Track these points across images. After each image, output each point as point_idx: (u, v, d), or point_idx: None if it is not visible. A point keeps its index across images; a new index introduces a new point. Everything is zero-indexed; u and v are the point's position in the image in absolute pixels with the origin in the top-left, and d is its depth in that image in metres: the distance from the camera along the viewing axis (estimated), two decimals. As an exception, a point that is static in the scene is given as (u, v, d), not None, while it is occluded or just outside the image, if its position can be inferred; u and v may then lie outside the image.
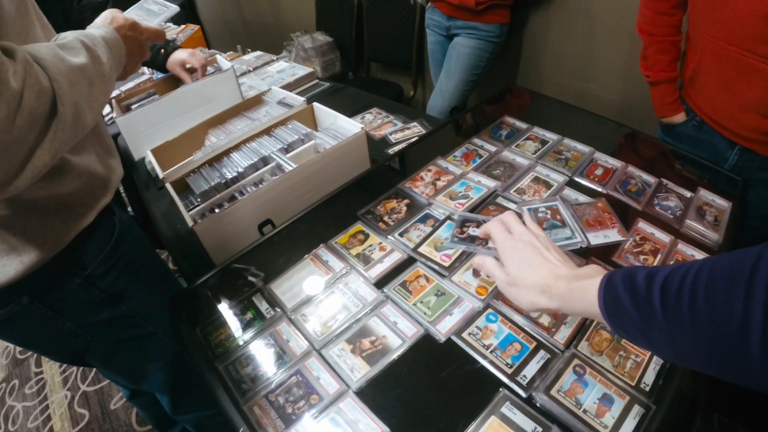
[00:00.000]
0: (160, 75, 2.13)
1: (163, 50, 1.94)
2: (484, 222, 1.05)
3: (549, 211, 1.11)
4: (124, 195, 2.59)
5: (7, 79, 0.61)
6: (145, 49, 1.10)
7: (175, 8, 1.52)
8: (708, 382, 0.86)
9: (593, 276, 0.69)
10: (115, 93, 2.36)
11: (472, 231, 1.06)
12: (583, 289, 0.68)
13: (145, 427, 2.19)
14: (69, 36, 0.83)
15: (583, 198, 1.16)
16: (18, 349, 2.77)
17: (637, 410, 0.77)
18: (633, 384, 0.80)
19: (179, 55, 1.94)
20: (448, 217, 1.14)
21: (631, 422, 0.75)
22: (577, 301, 0.69)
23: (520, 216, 0.91)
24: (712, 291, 0.51)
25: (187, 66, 1.94)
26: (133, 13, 1.52)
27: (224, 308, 1.04)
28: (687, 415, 0.81)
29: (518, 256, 0.80)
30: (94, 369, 2.42)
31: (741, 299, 0.47)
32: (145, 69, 2.71)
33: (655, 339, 0.58)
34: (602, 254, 1.02)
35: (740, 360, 0.48)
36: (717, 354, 0.51)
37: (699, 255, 1.02)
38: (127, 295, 1.12)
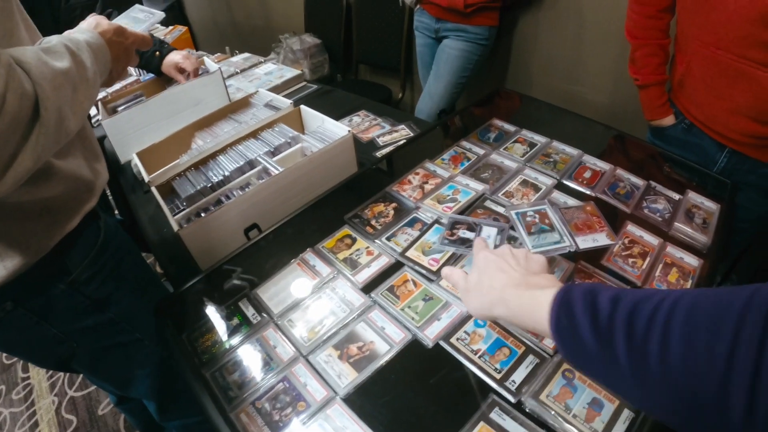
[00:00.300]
0: (148, 77, 2.11)
1: (158, 53, 1.93)
2: (475, 224, 1.05)
3: (537, 215, 1.10)
4: (111, 198, 2.57)
5: None
6: (131, 54, 1.08)
7: (160, 15, 1.51)
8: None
9: (546, 286, 0.62)
10: (101, 95, 2.34)
11: (462, 233, 1.05)
12: (534, 299, 0.61)
13: (132, 433, 2.17)
14: (53, 40, 0.82)
15: (571, 201, 1.15)
16: (5, 354, 2.74)
17: (626, 414, 0.76)
18: (622, 388, 0.79)
19: (173, 58, 1.93)
20: (436, 221, 1.13)
21: (620, 426, 0.75)
22: (525, 312, 0.62)
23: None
24: (691, 329, 0.43)
25: (180, 67, 1.93)
26: (120, 22, 1.51)
27: (210, 314, 1.03)
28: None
29: (483, 264, 0.75)
30: (82, 374, 2.40)
31: (727, 342, 0.40)
32: (132, 70, 2.69)
33: (612, 376, 0.50)
34: (591, 258, 1.02)
35: (714, 417, 0.40)
36: (685, 407, 0.43)
37: (688, 257, 1.02)
38: (113, 300, 1.10)
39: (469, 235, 1.05)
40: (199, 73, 1.98)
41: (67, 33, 0.91)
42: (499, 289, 0.68)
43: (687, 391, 0.42)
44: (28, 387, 2.53)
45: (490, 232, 1.05)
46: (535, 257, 0.75)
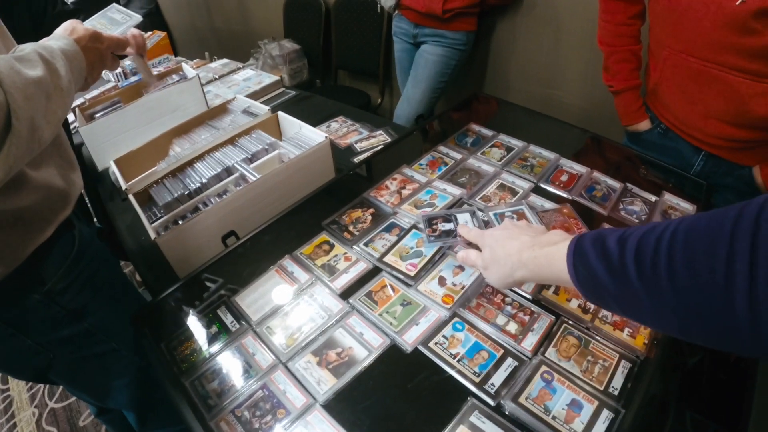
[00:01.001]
0: (126, 83, 2.09)
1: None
2: (448, 215, 1.06)
3: (515, 216, 1.11)
4: (89, 206, 2.54)
5: None
6: (107, 59, 1.07)
7: (138, 18, 1.49)
8: (680, 381, 0.87)
9: (558, 242, 0.67)
10: (78, 101, 2.31)
11: (442, 226, 1.06)
12: (549, 256, 0.66)
13: (113, 444, 2.14)
14: (27, 48, 0.80)
15: (548, 204, 1.16)
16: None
17: (606, 414, 0.77)
18: (601, 389, 0.80)
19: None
20: (414, 226, 1.13)
21: (600, 426, 0.75)
22: (544, 269, 0.68)
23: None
24: (691, 252, 0.48)
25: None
26: (95, 22, 1.48)
27: (189, 322, 1.01)
28: (658, 416, 0.82)
29: (491, 238, 0.81)
30: (62, 386, 2.37)
31: (723, 259, 0.44)
32: (110, 76, 2.67)
33: (633, 308, 0.56)
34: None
35: (726, 325, 0.45)
36: (701, 320, 0.48)
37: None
38: (89, 311, 1.09)
39: (448, 226, 1.05)
40: (170, 81, 1.96)
41: (42, 41, 0.90)
42: (515, 254, 0.73)
43: (698, 307, 0.47)
44: (7, 399, 2.49)
45: (464, 217, 1.07)
46: (534, 225, 0.82)
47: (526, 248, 0.72)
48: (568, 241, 0.64)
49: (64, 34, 0.97)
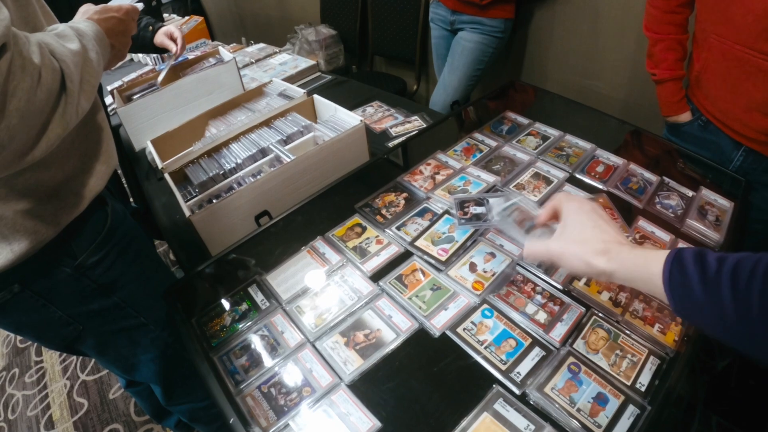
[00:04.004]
0: (162, 66, 2.12)
1: (151, 27, 1.93)
2: (481, 198, 1.04)
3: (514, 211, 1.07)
4: (126, 186, 2.59)
5: (30, 57, 0.69)
6: (128, 24, 1.10)
7: None
8: (707, 384, 0.86)
9: (658, 250, 0.67)
10: (117, 83, 2.36)
11: (474, 209, 1.05)
12: (647, 258, 0.66)
13: (142, 417, 2.19)
14: (60, 27, 0.87)
15: (583, 194, 1.15)
16: (18, 338, 2.78)
17: (631, 410, 0.76)
18: (629, 384, 0.79)
19: (165, 28, 1.94)
20: (446, 212, 1.13)
21: (625, 422, 0.74)
22: (638, 269, 0.67)
23: None
24: None
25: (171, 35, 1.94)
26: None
27: (220, 299, 1.03)
28: (684, 417, 0.80)
29: (583, 216, 0.76)
30: (94, 359, 2.43)
31: None
32: (148, 60, 2.71)
33: (718, 321, 0.57)
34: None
35: None
36: None
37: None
38: (119, 285, 1.12)
39: (480, 210, 1.04)
40: (207, 64, 1.98)
41: (68, 23, 0.95)
42: (609, 246, 0.71)
43: None
44: (41, 370, 2.57)
45: (497, 201, 1.04)
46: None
47: (626, 245, 0.70)
48: (666, 251, 0.65)
49: (80, 17, 1.02)
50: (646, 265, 0.65)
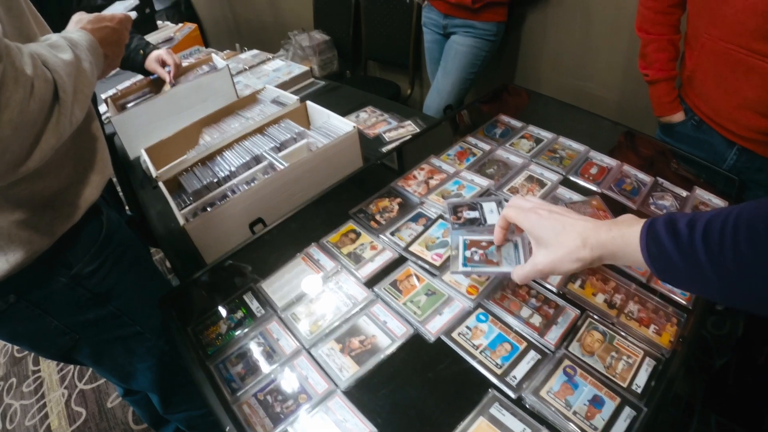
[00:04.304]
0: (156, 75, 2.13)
1: (142, 51, 1.95)
2: (473, 203, 1.04)
3: (477, 250, 1.04)
4: (121, 194, 2.59)
5: (23, 68, 0.69)
6: (122, 33, 1.11)
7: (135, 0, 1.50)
8: (705, 383, 0.86)
9: (632, 224, 0.69)
10: (111, 91, 2.36)
11: (467, 214, 1.04)
12: (624, 237, 0.68)
13: (141, 426, 2.19)
14: (53, 37, 0.87)
15: (576, 197, 1.15)
16: (16, 347, 2.77)
17: (628, 412, 0.76)
18: (624, 386, 0.79)
19: (156, 52, 1.96)
20: (440, 216, 1.13)
21: (621, 424, 0.74)
22: (618, 248, 0.69)
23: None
24: (754, 232, 0.53)
25: (163, 61, 1.97)
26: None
27: (215, 307, 1.03)
28: (683, 417, 0.80)
29: (547, 223, 0.77)
30: (91, 368, 2.43)
31: None
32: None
33: (702, 284, 0.60)
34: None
35: None
36: (765, 291, 0.53)
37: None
38: (115, 294, 1.12)
39: (473, 214, 1.04)
40: (200, 72, 1.99)
41: (61, 33, 0.95)
42: (586, 236, 0.73)
43: (761, 276, 0.52)
44: (38, 380, 2.56)
45: (490, 206, 1.04)
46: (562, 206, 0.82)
47: (601, 228, 0.72)
48: (640, 224, 0.67)
49: (73, 27, 1.03)
50: (624, 244, 0.68)
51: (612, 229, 0.71)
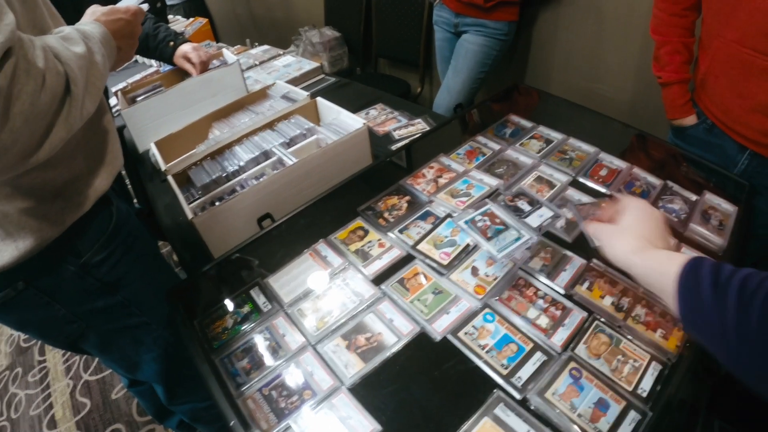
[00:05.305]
0: (167, 67, 2.13)
1: (171, 43, 1.94)
2: (536, 200, 1.08)
3: (486, 218, 1.06)
4: (129, 187, 2.60)
5: (35, 61, 0.70)
6: (135, 26, 1.11)
7: None
8: (711, 388, 0.85)
9: (682, 255, 0.68)
10: (121, 85, 2.37)
11: (521, 203, 1.09)
12: (670, 258, 0.67)
13: (145, 417, 2.20)
14: (66, 29, 0.87)
15: (586, 198, 1.14)
16: (22, 337, 2.79)
17: (633, 416, 0.76)
18: (630, 389, 0.79)
19: (183, 48, 1.95)
20: (449, 215, 1.13)
21: (626, 428, 0.74)
22: (656, 266, 0.69)
23: None
24: None
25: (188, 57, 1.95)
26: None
27: (222, 301, 1.04)
28: (687, 422, 0.80)
29: (639, 213, 0.79)
30: (97, 359, 2.44)
31: None
32: (153, 62, 2.72)
33: (717, 334, 0.57)
34: (603, 256, 1.00)
35: None
36: None
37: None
38: (123, 284, 1.13)
39: (526, 207, 1.04)
40: (210, 66, 1.98)
41: (75, 25, 0.96)
42: (638, 237, 0.74)
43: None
44: (44, 370, 2.57)
45: (544, 212, 1.05)
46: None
47: (657, 248, 0.72)
48: (688, 256, 0.65)
49: (88, 19, 1.03)
50: (664, 264, 0.67)
51: (663, 251, 0.71)
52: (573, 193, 1.16)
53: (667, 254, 0.70)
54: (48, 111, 0.74)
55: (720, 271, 0.58)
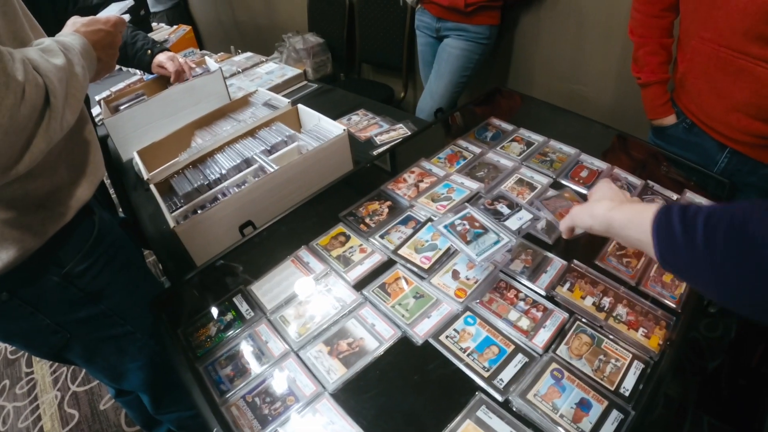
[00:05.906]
0: (150, 76, 2.12)
1: (149, 51, 1.94)
2: (516, 204, 1.11)
3: (465, 222, 1.07)
4: (114, 197, 2.59)
5: (14, 74, 0.70)
6: (116, 37, 1.10)
7: (130, 1, 1.49)
8: (699, 385, 0.86)
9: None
10: (104, 93, 2.36)
11: (500, 207, 1.09)
12: (644, 207, 0.71)
13: (133, 428, 2.18)
14: (46, 41, 0.87)
15: (550, 192, 1.16)
16: (9, 349, 2.76)
17: (615, 415, 0.76)
18: (612, 389, 0.79)
19: (160, 58, 1.95)
20: (429, 219, 1.13)
21: (609, 427, 0.75)
22: (633, 215, 0.72)
23: None
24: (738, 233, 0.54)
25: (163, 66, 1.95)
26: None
27: (205, 309, 1.03)
28: (675, 419, 0.81)
29: (605, 186, 0.84)
30: (84, 370, 2.42)
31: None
32: (137, 70, 2.71)
33: (691, 265, 0.61)
34: (584, 257, 1.01)
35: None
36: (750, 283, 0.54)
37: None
38: (106, 294, 1.12)
39: (505, 210, 1.05)
40: (193, 74, 1.98)
41: (54, 37, 0.95)
42: (609, 199, 0.78)
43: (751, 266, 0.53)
44: (31, 381, 2.55)
45: (523, 215, 1.07)
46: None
47: (626, 202, 0.77)
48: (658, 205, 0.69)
49: (68, 30, 1.03)
50: (641, 213, 0.70)
51: (630, 206, 0.75)
52: (553, 195, 1.17)
53: (641, 205, 0.73)
54: (27, 124, 0.74)
55: (687, 210, 0.62)
